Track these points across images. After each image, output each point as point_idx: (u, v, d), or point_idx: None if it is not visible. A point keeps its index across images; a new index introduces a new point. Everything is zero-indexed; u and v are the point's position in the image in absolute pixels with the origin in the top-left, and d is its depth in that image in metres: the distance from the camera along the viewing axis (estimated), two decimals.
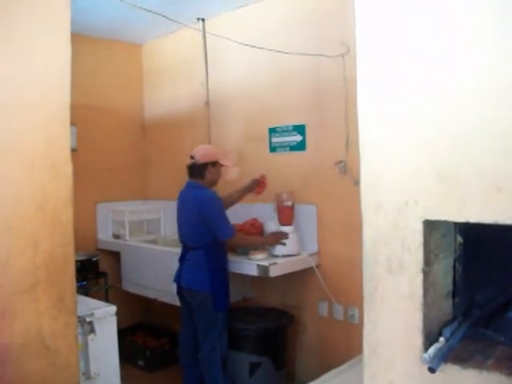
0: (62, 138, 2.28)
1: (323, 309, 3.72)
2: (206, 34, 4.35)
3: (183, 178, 3.58)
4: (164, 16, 3.58)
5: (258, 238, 3.71)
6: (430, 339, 1.71)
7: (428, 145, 1.64)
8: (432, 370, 1.62)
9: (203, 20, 4.36)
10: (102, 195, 4.78)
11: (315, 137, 3.72)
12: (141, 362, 4.41)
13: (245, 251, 3.61)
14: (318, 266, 3.67)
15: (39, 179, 2.22)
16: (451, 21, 1.57)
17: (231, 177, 3.64)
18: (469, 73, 1.54)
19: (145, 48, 5.21)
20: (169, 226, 4.78)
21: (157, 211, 4.91)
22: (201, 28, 4.36)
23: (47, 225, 2.11)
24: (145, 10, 3.50)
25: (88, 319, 2.35)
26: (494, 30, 1.48)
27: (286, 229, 3.61)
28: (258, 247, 3.62)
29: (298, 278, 3.76)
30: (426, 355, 1.66)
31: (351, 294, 3.44)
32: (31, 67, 2.23)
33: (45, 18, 2.29)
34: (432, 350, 1.68)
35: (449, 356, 1.68)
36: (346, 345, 3.46)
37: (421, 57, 1.65)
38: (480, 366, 1.63)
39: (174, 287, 3.56)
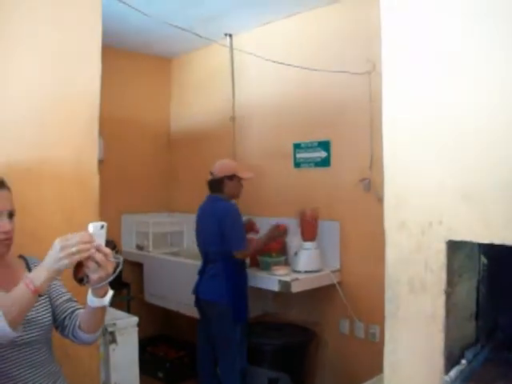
0: (90, 150, 2.33)
1: (344, 326, 3.70)
2: (234, 50, 4.40)
3: (207, 191, 3.61)
4: (192, 32, 3.64)
5: (261, 239, 3.61)
6: (451, 361, 1.69)
7: (453, 164, 1.63)
8: None
9: (231, 36, 4.42)
10: (127, 206, 4.83)
11: (340, 153, 3.73)
12: (160, 374, 4.42)
13: (267, 266, 3.61)
14: (339, 283, 3.65)
15: (67, 191, 2.27)
16: (474, 39, 1.57)
17: (247, 176, 3.58)
18: (497, 90, 1.53)
19: (174, 62, 5.29)
20: (192, 239, 4.78)
21: (180, 224, 4.94)
22: (228, 44, 4.42)
23: None
24: (174, 26, 3.57)
25: (110, 329, 2.37)
26: None
27: (308, 245, 3.61)
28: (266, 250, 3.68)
29: (320, 295, 3.74)
30: (447, 377, 1.64)
31: (373, 312, 3.41)
32: (62, 81, 2.29)
33: (76, 31, 2.35)
34: (453, 372, 1.66)
35: (470, 379, 1.66)
36: (366, 363, 3.42)
37: (446, 76, 1.65)
38: None
39: (185, 299, 3.58)
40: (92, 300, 1.58)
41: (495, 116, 1.53)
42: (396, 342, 1.80)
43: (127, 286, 4.52)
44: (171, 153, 5.27)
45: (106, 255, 1.47)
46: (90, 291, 1.57)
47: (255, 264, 3.71)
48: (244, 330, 3.43)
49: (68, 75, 2.31)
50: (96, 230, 1.48)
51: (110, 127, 4.29)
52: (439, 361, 1.67)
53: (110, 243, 1.59)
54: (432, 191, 1.67)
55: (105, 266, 1.47)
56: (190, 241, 4.86)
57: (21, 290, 1.44)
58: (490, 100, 1.54)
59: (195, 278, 3.63)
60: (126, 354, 2.46)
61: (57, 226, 2.20)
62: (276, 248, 3.79)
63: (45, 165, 2.20)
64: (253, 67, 4.28)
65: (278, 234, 3.65)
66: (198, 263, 3.79)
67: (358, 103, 3.55)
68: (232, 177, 3.50)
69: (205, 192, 3.65)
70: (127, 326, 2.47)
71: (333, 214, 3.72)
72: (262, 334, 3.63)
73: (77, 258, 1.41)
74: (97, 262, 1.45)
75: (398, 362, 1.80)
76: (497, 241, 1.55)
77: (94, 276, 1.49)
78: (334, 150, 3.76)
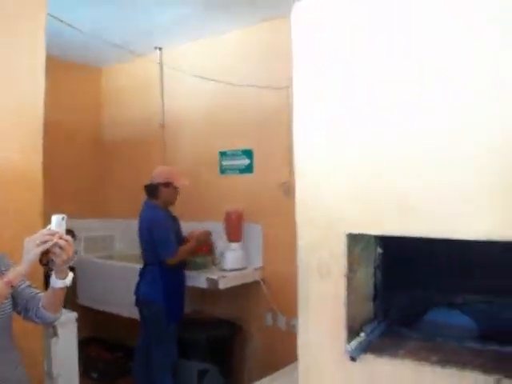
0: (35, 155, 2.53)
1: (269, 319, 4.01)
2: (163, 62, 4.65)
3: (138, 197, 3.81)
4: (122, 47, 3.86)
5: (189, 244, 3.81)
6: (352, 334, 2.03)
7: (351, 169, 1.97)
8: (353, 359, 1.94)
9: (160, 49, 4.65)
10: (58, 212, 4.89)
11: (262, 161, 4.05)
12: (94, 375, 4.56)
13: (196, 266, 3.87)
14: (263, 280, 3.96)
15: (14, 194, 2.44)
16: (375, 71, 1.92)
17: (182, 184, 3.77)
18: (400, 106, 1.88)
19: (105, 72, 5.44)
20: (123, 243, 4.99)
21: (112, 229, 5.10)
22: (158, 57, 4.65)
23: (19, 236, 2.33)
24: (104, 41, 3.78)
25: None
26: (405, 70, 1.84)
27: (234, 245, 3.90)
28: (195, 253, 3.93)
29: (246, 291, 4.04)
30: (348, 347, 1.97)
31: (293, 306, 3.70)
32: (8, 91, 2.47)
33: (21, 42, 2.54)
34: (354, 342, 2.00)
35: (368, 348, 2.00)
36: (289, 352, 3.72)
37: (346, 94, 1.99)
38: (393, 355, 1.95)
39: (128, 301, 3.78)
40: (56, 282, 1.83)
41: (387, 129, 1.89)
42: (307, 321, 2.13)
43: None
44: (104, 159, 5.39)
45: (67, 241, 1.74)
46: (53, 275, 1.82)
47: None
48: (176, 330, 3.65)
49: (14, 86, 2.49)
50: (58, 220, 1.78)
51: None
52: (342, 334, 2.01)
53: (70, 232, 1.90)
54: (335, 193, 2.01)
55: (67, 250, 1.74)
56: (121, 245, 5.03)
57: None
58: (389, 116, 1.88)
59: (127, 280, 3.83)
60: (66, 347, 2.66)
61: (3, 225, 2.37)
62: (204, 250, 4.05)
63: None
64: (182, 79, 4.51)
65: (204, 239, 3.91)
66: (130, 266, 4.00)
67: (278, 115, 3.86)
68: (168, 184, 3.67)
69: (136, 197, 3.85)
70: (67, 321, 2.67)
71: (256, 216, 4.03)
72: (191, 330, 3.88)
73: (43, 246, 1.69)
74: (60, 247, 1.72)
75: (309, 338, 2.13)
76: (386, 233, 1.91)
77: (58, 260, 1.75)
78: (257, 157, 4.09)
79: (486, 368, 1.77)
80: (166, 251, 3.55)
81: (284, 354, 3.81)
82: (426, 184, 1.79)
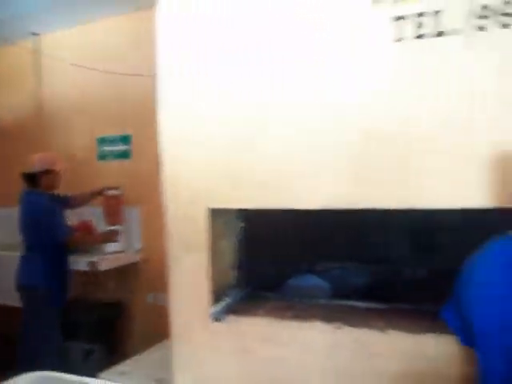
0: None
1: (150, 297, 4.18)
2: (39, 48, 4.61)
3: (16, 185, 3.80)
4: None
5: (94, 237, 4.04)
6: (217, 299, 2.27)
7: (210, 148, 2.18)
8: (217, 320, 2.18)
9: (35, 34, 4.60)
10: None
11: (140, 146, 4.18)
12: None
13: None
14: (144, 261, 4.12)
15: None
16: (228, 53, 2.14)
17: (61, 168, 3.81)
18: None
19: None
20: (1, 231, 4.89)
21: None
22: (35, 42, 4.61)
23: None
24: None
25: None
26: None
27: (114, 229, 4.02)
28: (96, 245, 4.02)
29: (127, 273, 4.19)
30: (212, 310, 2.21)
31: None
32: None
33: None
34: (218, 306, 2.24)
35: (231, 310, 2.25)
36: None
37: (207, 83, 2.19)
38: (253, 314, 2.21)
39: (6, 289, 3.79)
40: None
41: (241, 109, 2.11)
42: (177, 292, 2.33)
43: None
44: None
45: None
46: None
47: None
48: (60, 313, 3.69)
49: None
50: None
51: None
52: (208, 299, 2.24)
53: None
54: (197, 172, 2.21)
55: None
56: None
57: None
58: (238, 95, 2.10)
59: (7, 268, 3.83)
60: None
61: None
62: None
63: None
64: (59, 65, 4.49)
65: (111, 239, 4.03)
66: (5, 254, 3.99)
67: (154, 100, 4.00)
68: (49, 170, 3.69)
69: (14, 185, 3.83)
70: None
71: (135, 200, 4.17)
72: (77, 312, 3.94)
73: None
74: None
75: (179, 307, 2.33)
76: (243, 207, 2.16)
77: None
78: (135, 143, 4.21)
79: (329, 318, 2.07)
80: (61, 231, 3.60)
81: (166, 328, 4.00)
82: (274, 160, 2.05)
